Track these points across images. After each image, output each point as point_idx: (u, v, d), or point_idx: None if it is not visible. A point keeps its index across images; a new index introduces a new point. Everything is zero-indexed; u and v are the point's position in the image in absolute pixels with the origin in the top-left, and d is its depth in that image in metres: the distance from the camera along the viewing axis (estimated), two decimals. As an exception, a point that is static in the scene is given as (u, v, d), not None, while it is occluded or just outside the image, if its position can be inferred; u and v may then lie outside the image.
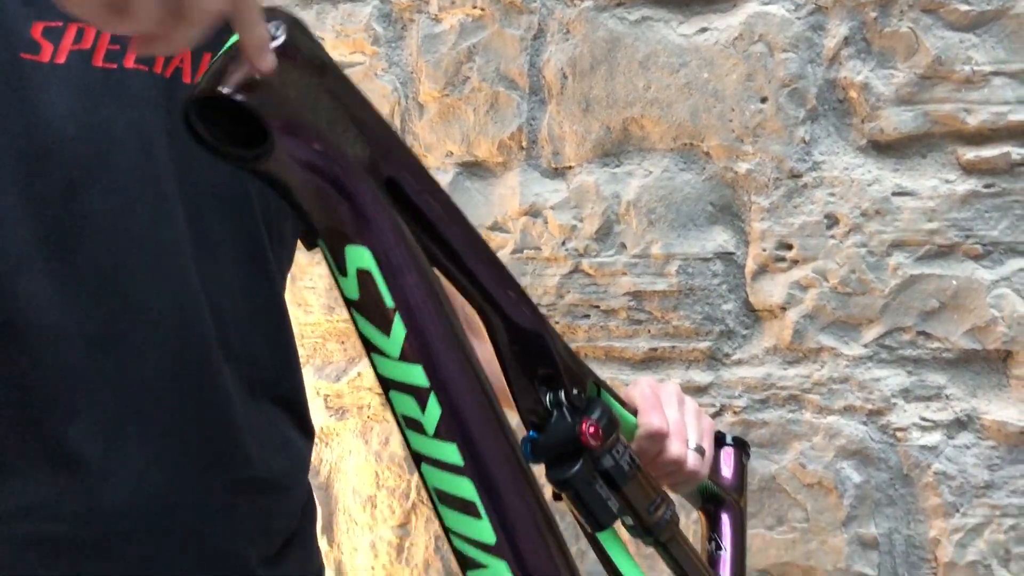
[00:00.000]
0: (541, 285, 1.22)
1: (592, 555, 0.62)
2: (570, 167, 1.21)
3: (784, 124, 1.12)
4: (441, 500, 0.52)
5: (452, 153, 1.24)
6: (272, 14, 0.44)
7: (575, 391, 0.58)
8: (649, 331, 1.20)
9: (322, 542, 1.36)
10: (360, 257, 0.48)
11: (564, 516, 0.60)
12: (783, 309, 1.15)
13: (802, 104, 1.11)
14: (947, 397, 1.12)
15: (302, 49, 0.44)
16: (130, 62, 0.63)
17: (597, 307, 1.21)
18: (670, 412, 0.65)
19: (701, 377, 1.20)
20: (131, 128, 0.63)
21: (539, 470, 0.57)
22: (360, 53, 1.25)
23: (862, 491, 1.15)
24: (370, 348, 0.51)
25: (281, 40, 0.43)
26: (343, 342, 1.33)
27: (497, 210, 1.24)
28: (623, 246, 1.19)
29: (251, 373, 0.70)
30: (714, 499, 0.75)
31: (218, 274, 0.67)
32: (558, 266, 1.21)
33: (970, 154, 1.07)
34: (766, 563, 1.19)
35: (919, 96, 1.08)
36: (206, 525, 0.66)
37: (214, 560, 0.66)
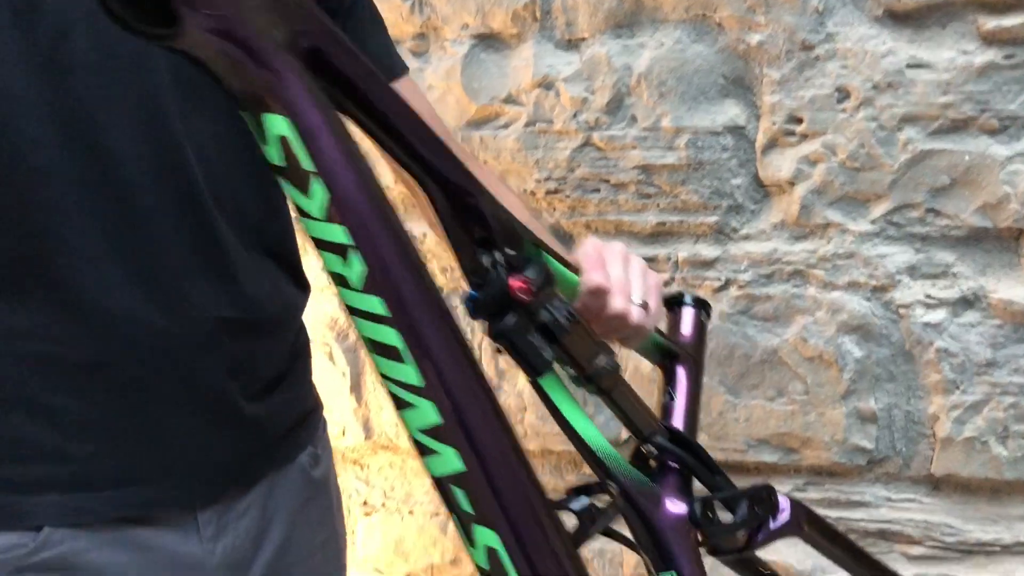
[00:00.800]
0: (552, 159, 1.24)
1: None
2: (583, 38, 1.20)
3: (799, -8, 1.09)
4: (373, 348, 0.57)
5: (468, 25, 1.25)
6: None
7: (510, 251, 0.61)
8: (658, 205, 1.21)
9: (351, 400, 1.46)
10: (277, 124, 0.51)
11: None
12: (791, 184, 1.15)
13: (819, -29, 1.08)
14: (954, 275, 1.11)
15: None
16: None
17: (607, 181, 1.22)
18: (613, 270, 0.67)
19: (708, 251, 1.21)
20: None
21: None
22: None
23: (863, 366, 1.16)
24: (300, 212, 0.56)
25: None
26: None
27: (511, 83, 1.25)
28: (633, 119, 1.19)
29: (240, 222, 0.74)
30: (670, 354, 0.77)
31: (201, 123, 0.70)
32: (569, 139, 1.23)
33: (991, 23, 1.03)
34: (766, 433, 1.22)
35: (942, -39, 1.04)
36: (194, 358, 0.72)
37: (199, 391, 0.72)
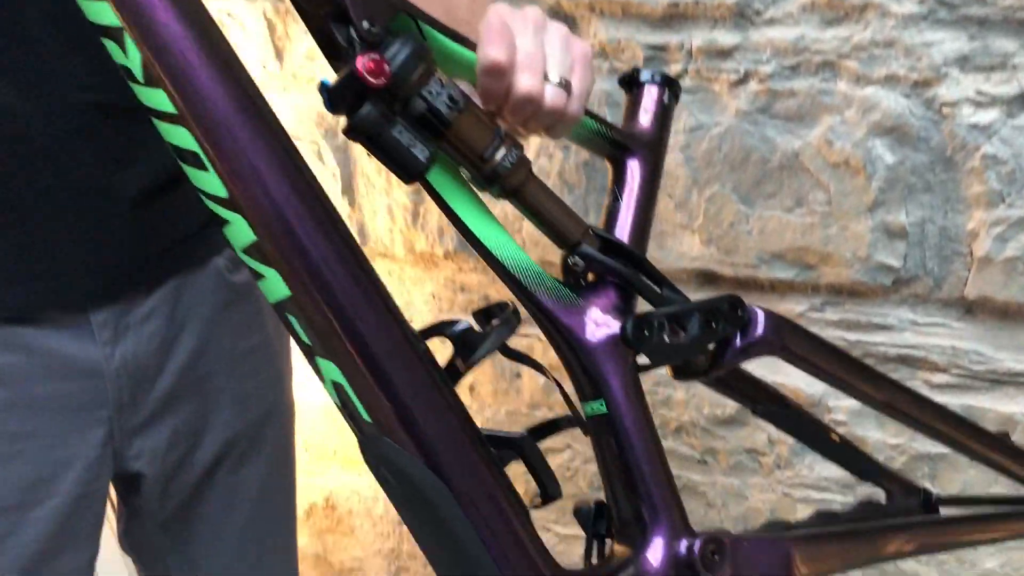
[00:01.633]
0: (550, -73, 1.07)
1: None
2: None
3: None
4: (178, 156, 0.47)
5: None
6: None
7: (369, 25, 0.49)
8: (670, -17, 1.05)
9: (343, 204, 1.37)
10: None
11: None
12: (826, -45, 0.97)
13: None
14: (1014, 67, 0.94)
15: None
16: None
17: (612, -47, 1.06)
18: (522, 41, 0.54)
19: (726, 38, 1.05)
20: None
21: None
22: None
23: (894, 174, 1.02)
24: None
25: None
26: None
27: None
28: None
29: None
30: (619, 146, 0.65)
31: None
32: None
33: None
34: (781, 246, 1.10)
35: None
36: (66, 148, 0.64)
37: (76, 185, 0.64)
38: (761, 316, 0.62)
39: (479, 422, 1.40)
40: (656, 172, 0.65)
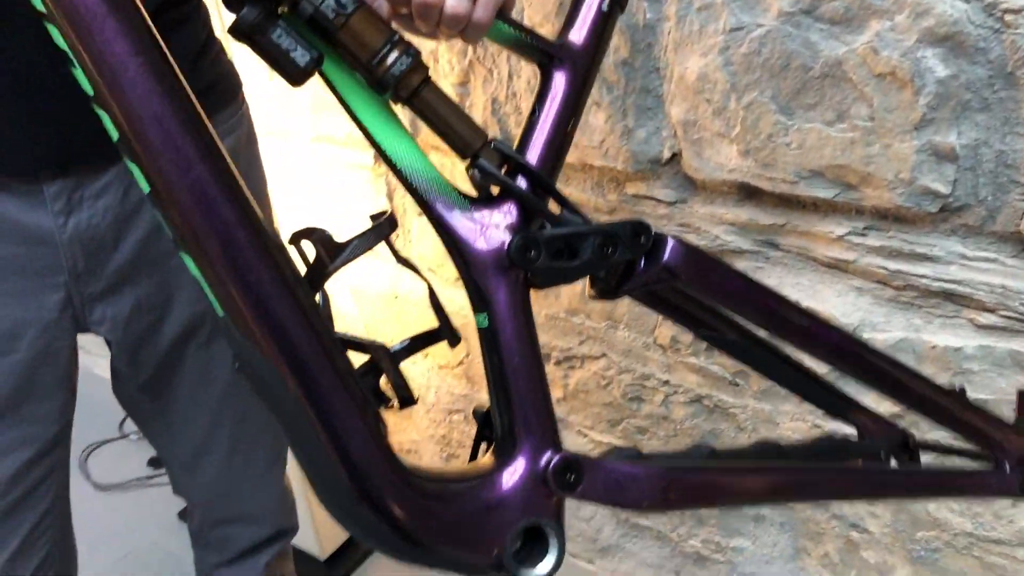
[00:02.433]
0: None
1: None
2: None
3: None
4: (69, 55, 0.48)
5: None
6: None
7: None
8: None
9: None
10: None
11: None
12: None
13: None
14: (1093, -30, 0.81)
15: None
16: None
17: None
18: None
19: (771, -71, 0.96)
20: None
21: None
22: None
23: (946, 89, 0.91)
24: None
25: None
26: None
27: None
28: None
29: None
30: (546, 55, 0.61)
31: None
32: None
33: None
34: (819, 163, 1.02)
35: None
36: (7, 19, 0.66)
37: (7, 59, 0.67)
38: (671, 244, 0.58)
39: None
40: (583, 87, 0.61)
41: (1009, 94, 0.89)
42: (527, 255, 0.55)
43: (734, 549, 1.43)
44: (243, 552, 1.08)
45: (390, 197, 1.49)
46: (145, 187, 0.49)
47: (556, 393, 1.48)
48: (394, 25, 0.56)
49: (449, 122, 0.57)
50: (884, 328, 1.09)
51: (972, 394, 1.04)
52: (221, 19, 1.00)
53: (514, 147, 0.60)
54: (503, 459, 0.57)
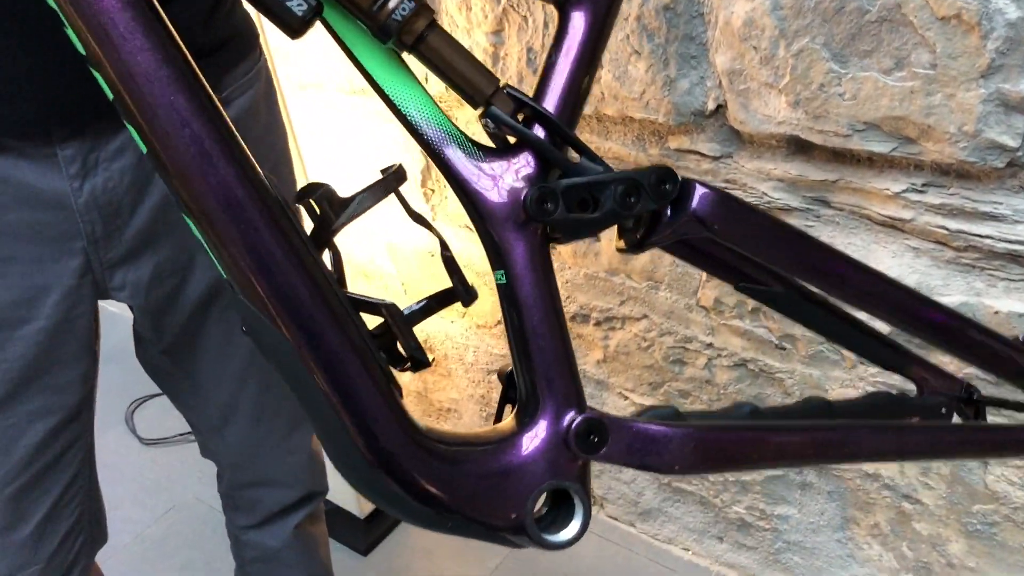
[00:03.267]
0: None
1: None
2: None
3: None
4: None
5: None
6: None
7: None
8: None
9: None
10: None
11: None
12: None
13: None
14: None
15: None
16: None
17: None
18: None
19: None
20: None
21: None
22: None
23: (1018, 32, 0.83)
24: None
25: None
26: None
27: None
28: None
29: None
30: (564, -5, 0.56)
31: None
32: None
33: None
34: (876, 115, 0.95)
35: None
36: None
37: (17, 13, 0.64)
38: (699, 191, 0.54)
39: (559, 282, 1.37)
40: (603, 29, 0.56)
41: (1089, 37, 0.81)
42: (544, 207, 0.52)
43: (779, 517, 1.39)
44: (271, 515, 1.07)
45: (426, 152, 1.45)
46: (143, 147, 0.47)
47: (596, 355, 1.44)
48: None
49: (458, 68, 0.52)
50: (943, 292, 1.02)
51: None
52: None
53: (531, 94, 0.56)
54: (524, 421, 0.54)
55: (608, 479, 1.60)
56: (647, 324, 1.34)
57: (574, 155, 0.55)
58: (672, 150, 1.16)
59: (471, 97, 0.53)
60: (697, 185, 0.53)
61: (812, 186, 1.06)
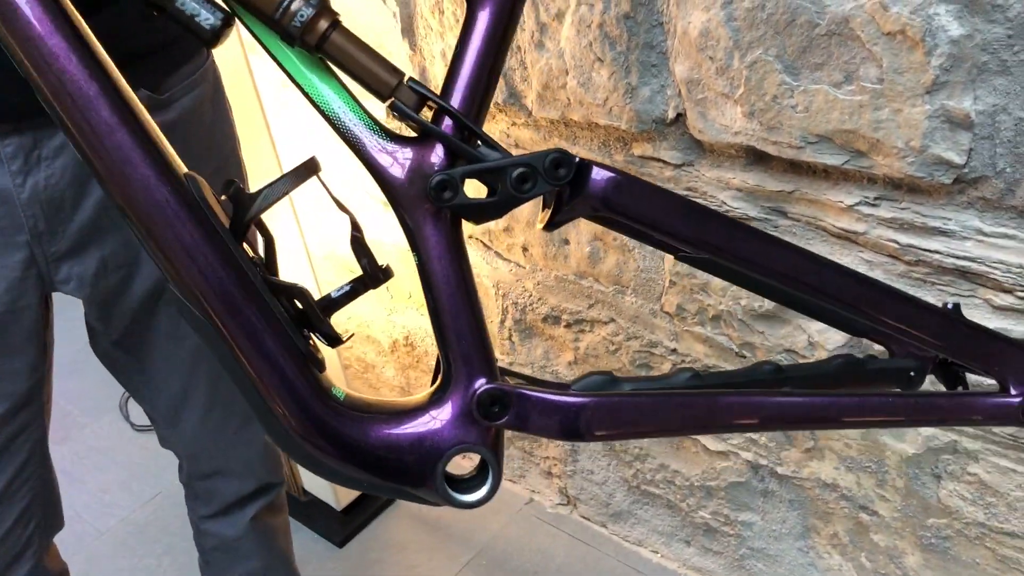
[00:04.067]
0: None
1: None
2: None
3: None
4: None
5: None
6: None
7: None
8: None
9: (404, 46, 1.33)
10: None
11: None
12: None
13: None
14: (1126, -83, 0.72)
15: None
16: None
17: None
18: None
19: None
20: None
21: None
22: None
23: (960, 50, 0.83)
24: None
25: None
26: None
27: None
28: None
29: None
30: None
31: None
32: None
33: None
34: (826, 128, 0.95)
35: None
36: None
37: None
38: (596, 173, 0.56)
39: (530, 284, 1.38)
40: (507, 27, 0.58)
41: (1030, 56, 0.81)
42: (442, 194, 0.55)
43: (743, 523, 1.39)
44: (228, 505, 1.09)
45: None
46: (76, 153, 0.52)
47: (567, 356, 1.45)
48: None
49: (363, 64, 0.55)
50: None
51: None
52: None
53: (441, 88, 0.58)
54: (439, 391, 0.58)
55: (580, 480, 1.61)
56: (614, 328, 1.35)
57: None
58: (636, 156, 1.17)
59: (377, 91, 0.56)
60: (595, 167, 0.56)
61: (770, 196, 1.07)
